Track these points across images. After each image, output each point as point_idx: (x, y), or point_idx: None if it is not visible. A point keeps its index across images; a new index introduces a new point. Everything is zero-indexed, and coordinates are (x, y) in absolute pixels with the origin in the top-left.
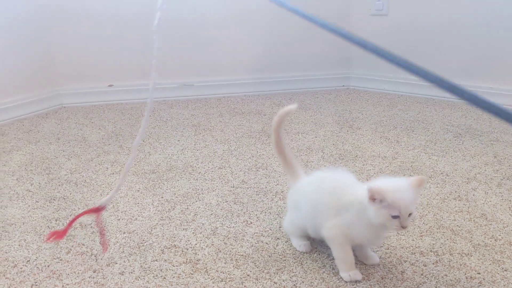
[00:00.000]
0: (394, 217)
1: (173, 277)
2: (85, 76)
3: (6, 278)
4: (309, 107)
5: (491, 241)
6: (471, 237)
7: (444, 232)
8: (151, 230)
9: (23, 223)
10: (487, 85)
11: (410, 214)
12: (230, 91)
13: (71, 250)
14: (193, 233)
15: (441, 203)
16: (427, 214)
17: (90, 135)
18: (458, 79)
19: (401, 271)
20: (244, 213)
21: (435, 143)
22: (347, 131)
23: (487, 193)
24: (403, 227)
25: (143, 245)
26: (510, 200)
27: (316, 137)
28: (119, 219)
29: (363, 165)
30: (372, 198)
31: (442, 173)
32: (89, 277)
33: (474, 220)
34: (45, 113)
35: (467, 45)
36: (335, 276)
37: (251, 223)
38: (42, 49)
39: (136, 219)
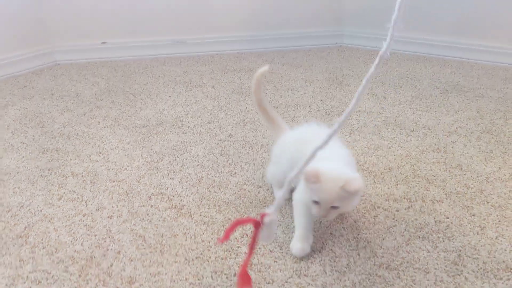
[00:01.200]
0: (316, 202)
1: (159, 220)
2: (78, 33)
3: (1, 221)
4: (300, 65)
5: (463, 189)
6: (445, 186)
7: (419, 181)
8: (140, 179)
9: (17, 172)
10: (477, 42)
11: (335, 208)
12: (222, 49)
13: (62, 196)
14: (179, 182)
15: (419, 154)
16: (404, 165)
17: (83, 91)
18: (450, 37)
19: (374, 216)
20: (229, 164)
21: (421, 99)
22: (336, 87)
23: (466, 145)
24: (322, 216)
25: (131, 193)
26: (486, 152)
27: (304, 93)
28: (109, 169)
29: (348, 120)
30: (307, 179)
31: (424, 127)
32: (79, 220)
33: (449, 170)
34: (39, 69)
35: (459, 2)
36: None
37: (235, 173)
38: (36, 7)
39: (126, 169)
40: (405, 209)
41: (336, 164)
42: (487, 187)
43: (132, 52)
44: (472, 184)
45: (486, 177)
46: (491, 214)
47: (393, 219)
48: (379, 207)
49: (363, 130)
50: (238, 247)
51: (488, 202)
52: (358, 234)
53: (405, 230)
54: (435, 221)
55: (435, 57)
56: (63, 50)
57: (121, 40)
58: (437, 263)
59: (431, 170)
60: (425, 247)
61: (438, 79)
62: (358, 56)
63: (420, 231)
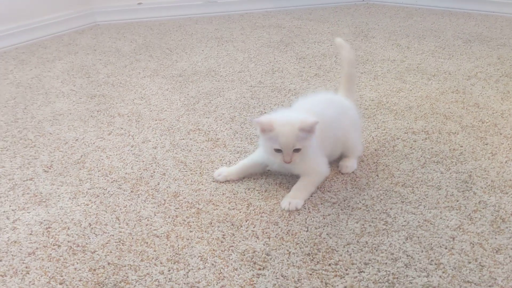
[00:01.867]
0: (277, 150)
1: (197, 150)
2: None
3: (59, 151)
4: (327, 20)
5: (478, 123)
6: (461, 121)
7: (437, 117)
8: (179, 118)
9: (70, 113)
10: None
11: (297, 150)
12: (251, 8)
13: (111, 132)
14: (214, 120)
15: (439, 95)
16: (424, 104)
17: (123, 47)
18: None
19: (393, 145)
20: (259, 105)
21: (444, 48)
22: (362, 39)
23: (484, 87)
24: (286, 162)
25: (172, 129)
26: (504, 93)
27: (331, 45)
28: (151, 111)
29: (372, 67)
30: (262, 130)
31: (445, 72)
32: (128, 150)
33: (466, 108)
34: (81, 29)
35: None
36: None
37: (265, 112)
38: None
39: (166, 110)
40: (423, 140)
41: (287, 112)
42: (501, 122)
43: (166, 12)
44: (487, 119)
45: (501, 113)
46: (502, 143)
47: (411, 147)
48: (398, 138)
49: (386, 76)
50: (268, 170)
51: (501, 134)
52: (377, 160)
53: (421, 156)
54: (450, 149)
55: (459, 11)
56: (102, 12)
57: (156, 0)
58: (449, 182)
59: (449, 108)
60: (439, 169)
61: (461, 30)
62: (384, 11)
63: (435, 157)
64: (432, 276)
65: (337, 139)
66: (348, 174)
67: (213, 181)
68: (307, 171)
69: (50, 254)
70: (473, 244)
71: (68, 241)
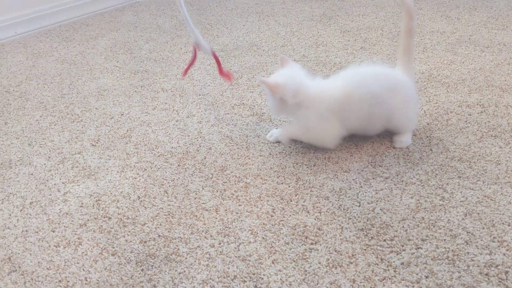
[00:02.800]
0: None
1: (242, 124)
2: None
3: (106, 126)
4: None
5: None
6: None
7: (492, 90)
8: (223, 93)
9: (114, 89)
10: None
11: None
12: None
13: (156, 107)
14: (258, 94)
15: (494, 67)
16: (478, 77)
17: (164, 23)
18: None
19: (447, 119)
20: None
21: (497, 19)
22: None
23: None
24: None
25: (216, 103)
26: None
27: (376, 18)
28: (194, 86)
29: (421, 39)
30: (272, 92)
31: (499, 44)
32: (173, 125)
33: None
34: (122, 7)
35: None
36: None
37: None
38: None
39: (209, 85)
40: (478, 113)
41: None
42: None
43: None
44: None
45: None
46: None
47: (466, 121)
48: (451, 112)
49: (436, 48)
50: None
51: None
52: (430, 134)
53: (478, 130)
54: (508, 123)
55: None
56: None
57: None
58: (509, 156)
59: (505, 80)
60: (497, 143)
61: None
62: None
63: (492, 131)
64: (495, 254)
65: (376, 115)
66: (401, 149)
67: (269, 155)
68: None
69: (101, 225)
70: None
71: (118, 214)
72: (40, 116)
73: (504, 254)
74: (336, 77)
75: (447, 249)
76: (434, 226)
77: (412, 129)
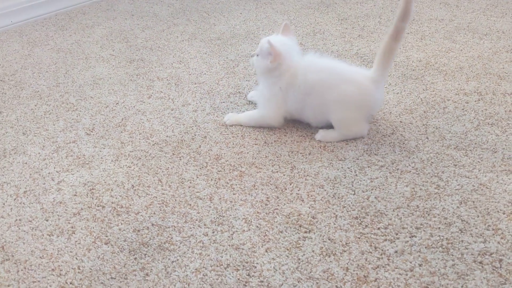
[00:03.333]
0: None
1: (239, 113)
2: None
3: (101, 115)
4: None
5: None
6: None
7: (490, 77)
8: (218, 82)
9: (110, 77)
10: None
11: (256, 56)
12: None
13: (151, 95)
14: (254, 83)
15: (492, 55)
16: (476, 64)
17: (160, 11)
18: None
19: (443, 107)
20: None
21: (496, 6)
22: None
23: None
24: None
25: (211, 92)
26: None
27: (374, 5)
28: (190, 74)
29: (419, 27)
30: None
31: (498, 31)
32: (168, 114)
33: None
34: None
35: None
36: (383, 111)
37: None
38: None
39: (205, 74)
40: (475, 101)
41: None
42: None
43: None
44: None
45: None
46: None
47: (463, 109)
48: (448, 100)
49: (434, 36)
50: (312, 133)
51: None
52: (427, 122)
53: (475, 118)
54: (505, 111)
55: None
56: None
57: None
58: (505, 144)
59: (503, 68)
60: (494, 131)
61: None
62: None
63: (489, 119)
64: (489, 242)
65: (309, 105)
66: (386, 136)
67: (265, 143)
68: (259, 104)
69: (95, 214)
70: None
71: (112, 202)
72: (35, 105)
73: (498, 242)
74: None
75: (442, 237)
76: (428, 215)
77: (346, 134)
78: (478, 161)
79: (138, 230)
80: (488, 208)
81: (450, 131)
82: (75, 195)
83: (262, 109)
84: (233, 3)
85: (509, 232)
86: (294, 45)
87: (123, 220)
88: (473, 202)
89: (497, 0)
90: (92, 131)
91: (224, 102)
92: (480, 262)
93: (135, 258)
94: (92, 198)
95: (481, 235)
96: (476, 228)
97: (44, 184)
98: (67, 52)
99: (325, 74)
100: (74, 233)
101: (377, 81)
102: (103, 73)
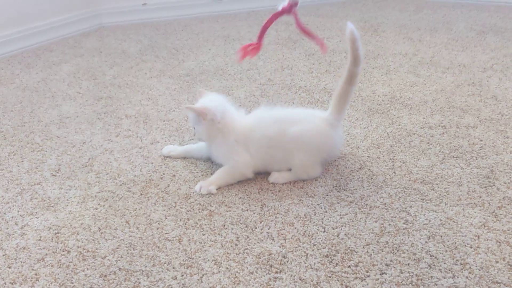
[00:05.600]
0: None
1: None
2: None
3: (67, 155)
4: (335, 15)
5: (497, 116)
6: (479, 114)
7: (453, 111)
8: (187, 118)
9: (77, 116)
10: None
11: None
12: (258, 5)
13: (119, 134)
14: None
15: (454, 88)
16: (439, 98)
17: (129, 48)
18: None
19: (409, 141)
20: (269, 103)
21: (457, 40)
22: (371, 34)
23: (501, 79)
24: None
25: (180, 129)
26: None
27: (340, 41)
28: (159, 111)
29: (384, 61)
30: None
31: (459, 65)
32: (136, 152)
33: (484, 101)
34: (87, 32)
35: None
36: (351, 145)
37: None
38: None
39: (174, 110)
40: (440, 134)
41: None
42: None
43: (172, 12)
44: (507, 112)
45: None
46: None
47: (428, 143)
48: (414, 134)
49: (399, 70)
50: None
51: None
52: (394, 156)
53: (440, 151)
54: (469, 144)
55: (471, 2)
56: (107, 13)
57: (161, 0)
58: (470, 177)
59: (466, 101)
60: (459, 164)
61: (474, 22)
62: (393, 5)
63: (454, 152)
64: (458, 277)
65: (274, 156)
66: (355, 171)
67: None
68: (223, 162)
69: (60, 260)
70: (499, 242)
71: (78, 247)
72: None
73: (466, 277)
74: (252, 115)
75: (411, 274)
76: (398, 250)
77: (300, 176)
78: (445, 195)
79: (105, 275)
80: (455, 243)
81: (416, 165)
82: (39, 239)
83: (230, 160)
84: (202, 40)
85: (476, 266)
86: (221, 97)
87: (89, 265)
88: (441, 236)
89: (457, 34)
90: (58, 172)
91: (193, 139)
92: None
93: None
94: (57, 243)
95: (449, 270)
96: (444, 263)
97: (7, 229)
98: (33, 91)
99: (283, 124)
100: (38, 280)
101: (334, 124)
102: (70, 112)
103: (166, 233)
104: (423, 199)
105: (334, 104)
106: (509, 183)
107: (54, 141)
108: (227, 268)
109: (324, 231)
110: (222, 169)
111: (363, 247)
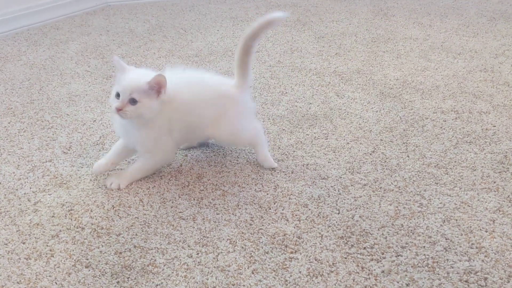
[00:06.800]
0: (117, 96)
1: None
2: None
3: (78, 132)
4: None
5: (510, 102)
6: (492, 100)
7: (466, 96)
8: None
9: (86, 94)
10: None
11: (134, 102)
12: None
13: None
14: None
15: (466, 74)
16: (451, 83)
17: (136, 27)
18: None
19: (422, 125)
20: (280, 85)
21: (468, 26)
22: (381, 18)
23: None
24: (117, 108)
25: None
26: None
27: (350, 24)
28: None
29: (395, 45)
30: (117, 69)
31: (471, 51)
32: None
33: (496, 87)
34: (93, 10)
35: None
36: (364, 129)
37: (286, 92)
38: None
39: None
40: (453, 119)
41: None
42: None
43: None
44: None
45: None
46: None
47: (441, 127)
48: (427, 118)
49: (410, 55)
50: (294, 151)
51: None
52: (407, 140)
53: (453, 136)
54: (482, 129)
55: None
56: None
57: None
58: (484, 162)
59: (478, 87)
60: (472, 149)
61: (485, 8)
62: None
63: (467, 137)
64: (474, 260)
65: (191, 125)
66: (368, 154)
67: (247, 162)
68: (142, 152)
69: (74, 236)
70: None
71: (92, 224)
72: (9, 123)
73: (482, 261)
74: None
75: (427, 256)
76: (413, 233)
77: (238, 143)
78: (459, 179)
79: (120, 253)
80: (471, 226)
81: (430, 149)
82: (53, 216)
83: (157, 152)
84: (210, 20)
85: (492, 250)
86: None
87: (104, 242)
88: (456, 220)
89: (468, 20)
90: (69, 150)
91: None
92: (466, 281)
93: (118, 282)
94: (71, 220)
95: (465, 254)
96: (460, 247)
97: (20, 205)
98: (41, 68)
99: (192, 90)
100: (53, 256)
101: (241, 87)
102: (79, 90)
103: (180, 212)
104: (437, 183)
105: (237, 72)
106: None
107: (64, 118)
108: (242, 248)
109: (338, 213)
110: (138, 164)
111: (378, 230)
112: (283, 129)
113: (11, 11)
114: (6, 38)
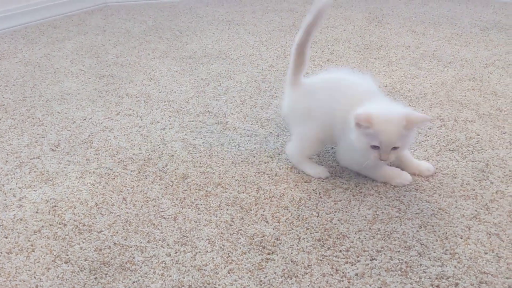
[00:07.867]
0: (374, 147)
1: (207, 132)
2: None
3: (67, 131)
4: (340, 5)
5: (496, 111)
6: (478, 109)
7: (453, 105)
8: (188, 100)
9: (78, 93)
10: None
11: (395, 148)
12: None
13: (119, 112)
14: (224, 103)
15: (455, 83)
16: (439, 91)
17: (133, 28)
18: None
19: None
20: (270, 89)
21: (460, 35)
22: (376, 25)
23: (502, 75)
24: (382, 159)
25: (181, 110)
26: None
27: (344, 30)
28: (160, 92)
29: (386, 53)
30: (358, 124)
31: (461, 60)
32: (136, 131)
33: (484, 96)
34: (91, 10)
35: None
36: None
37: (276, 96)
38: None
39: (175, 92)
40: (438, 127)
41: (383, 103)
42: None
43: None
44: (505, 107)
45: None
46: None
47: (425, 135)
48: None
49: (401, 62)
50: (279, 154)
51: None
52: None
53: (436, 143)
54: (466, 137)
55: None
56: None
57: None
58: (465, 170)
59: (465, 95)
60: (454, 157)
61: (479, 18)
62: None
63: (450, 145)
64: (446, 266)
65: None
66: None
67: (232, 164)
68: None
69: (56, 232)
70: (490, 234)
71: (74, 220)
72: (0, 119)
73: (455, 266)
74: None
75: (401, 261)
76: (389, 238)
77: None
78: (439, 186)
79: (100, 249)
80: (446, 233)
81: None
82: (36, 212)
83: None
84: (206, 23)
85: (465, 256)
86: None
87: (84, 239)
88: (432, 226)
89: (461, 29)
90: (57, 147)
91: (193, 121)
92: (437, 286)
93: (95, 278)
94: (54, 216)
95: (439, 259)
96: (434, 252)
97: (5, 200)
98: (36, 66)
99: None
100: (34, 251)
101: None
102: (72, 88)
103: (162, 211)
104: (417, 189)
105: (293, 68)
106: (503, 177)
107: (54, 116)
108: (221, 248)
109: (317, 216)
110: None
111: (355, 233)
112: (270, 132)
113: (9, 8)
114: (4, 36)
